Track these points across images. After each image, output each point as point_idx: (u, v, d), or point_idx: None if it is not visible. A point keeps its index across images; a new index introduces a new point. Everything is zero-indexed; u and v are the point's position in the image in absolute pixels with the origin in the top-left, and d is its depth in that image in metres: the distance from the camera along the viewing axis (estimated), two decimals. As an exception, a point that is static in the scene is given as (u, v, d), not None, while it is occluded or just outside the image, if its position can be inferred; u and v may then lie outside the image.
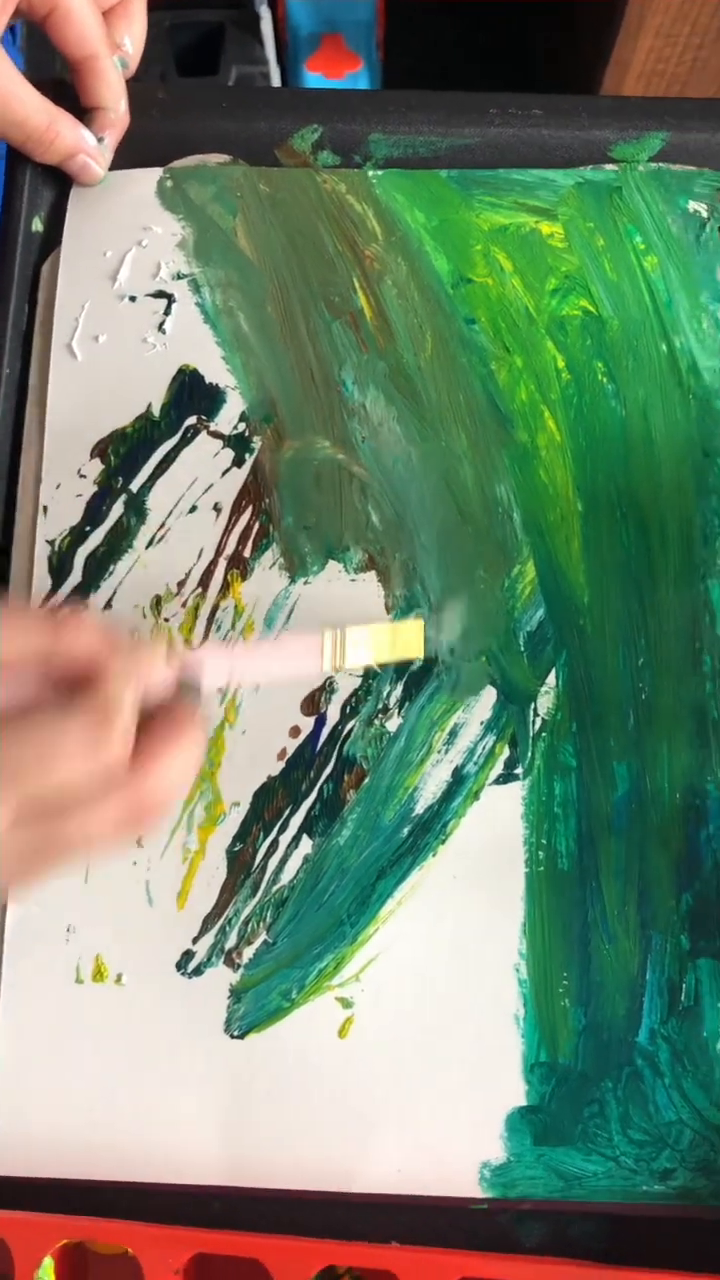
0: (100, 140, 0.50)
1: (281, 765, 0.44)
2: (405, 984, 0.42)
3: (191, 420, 0.48)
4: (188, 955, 0.43)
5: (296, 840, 0.44)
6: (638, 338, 0.48)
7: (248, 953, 0.43)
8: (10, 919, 0.43)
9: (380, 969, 0.42)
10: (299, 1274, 0.37)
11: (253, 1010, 0.42)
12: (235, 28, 0.97)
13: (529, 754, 0.44)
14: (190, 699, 0.36)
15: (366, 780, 0.44)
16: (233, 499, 0.47)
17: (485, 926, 0.43)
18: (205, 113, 0.52)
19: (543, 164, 0.50)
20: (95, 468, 0.47)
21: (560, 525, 0.46)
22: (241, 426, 0.47)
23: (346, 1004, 0.42)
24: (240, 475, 0.47)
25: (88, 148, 0.49)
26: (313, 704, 0.45)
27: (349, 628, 0.40)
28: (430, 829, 0.43)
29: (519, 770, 0.44)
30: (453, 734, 0.44)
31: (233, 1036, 0.42)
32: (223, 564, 0.46)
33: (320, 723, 0.45)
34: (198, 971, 0.43)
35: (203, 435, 0.47)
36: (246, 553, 0.46)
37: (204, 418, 0.48)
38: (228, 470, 0.47)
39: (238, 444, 0.47)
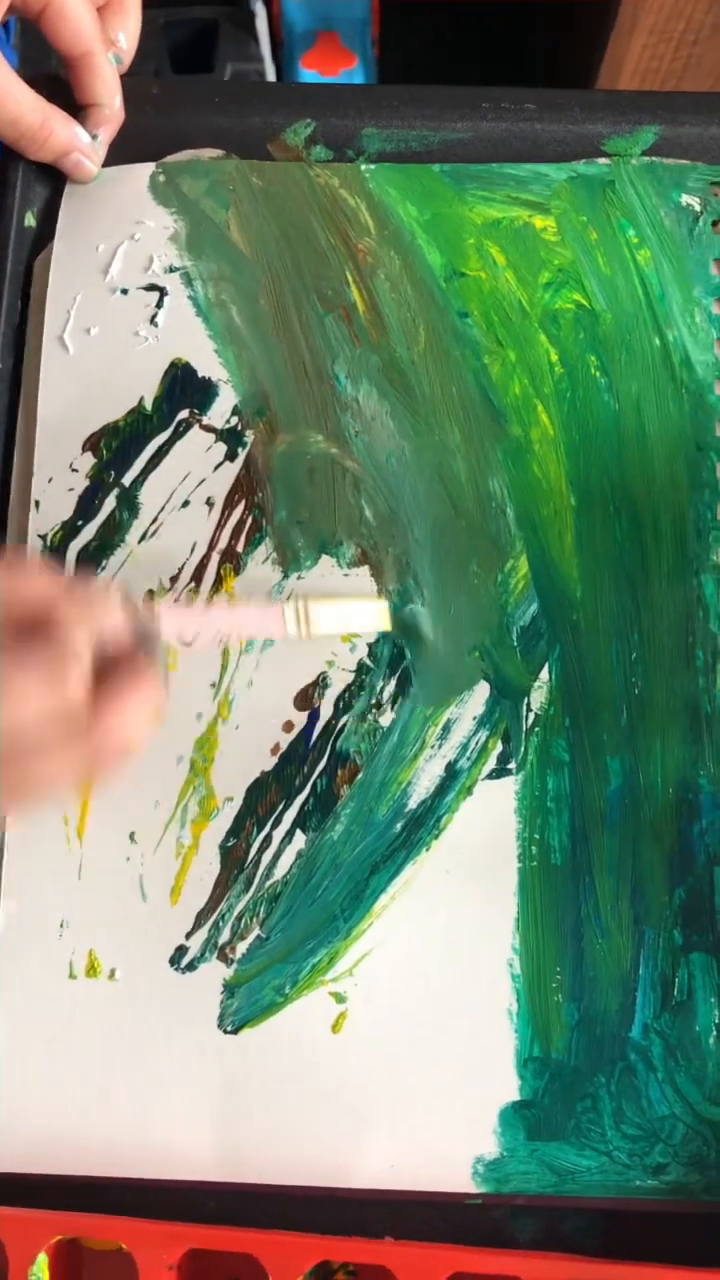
0: (94, 137, 0.49)
1: (275, 760, 0.44)
2: (398, 979, 0.42)
3: (184, 414, 0.47)
4: (181, 950, 0.43)
5: (290, 835, 0.44)
6: (631, 331, 0.48)
7: (241, 948, 0.43)
8: (2, 914, 0.43)
9: (374, 964, 0.42)
10: (293, 1269, 0.37)
11: (246, 1005, 0.42)
12: (230, 25, 0.97)
13: (522, 749, 0.44)
14: (149, 649, 0.36)
15: (360, 775, 0.44)
16: (225, 493, 0.47)
17: (478, 921, 0.42)
18: (198, 108, 0.52)
19: (535, 158, 0.50)
20: (87, 462, 0.47)
21: (553, 520, 0.46)
22: (234, 420, 0.47)
23: (340, 999, 0.42)
24: (233, 469, 0.47)
25: (81, 145, 0.49)
26: (306, 699, 0.45)
27: (311, 598, 0.40)
28: (423, 824, 0.43)
29: (512, 765, 0.44)
30: (446, 729, 0.44)
31: (226, 1032, 0.42)
32: (215, 558, 0.46)
33: (313, 718, 0.45)
34: (191, 967, 0.43)
35: (195, 429, 0.47)
36: (239, 547, 0.46)
37: (196, 411, 0.47)
38: (220, 464, 0.47)
39: (230, 438, 0.47)
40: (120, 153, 0.51)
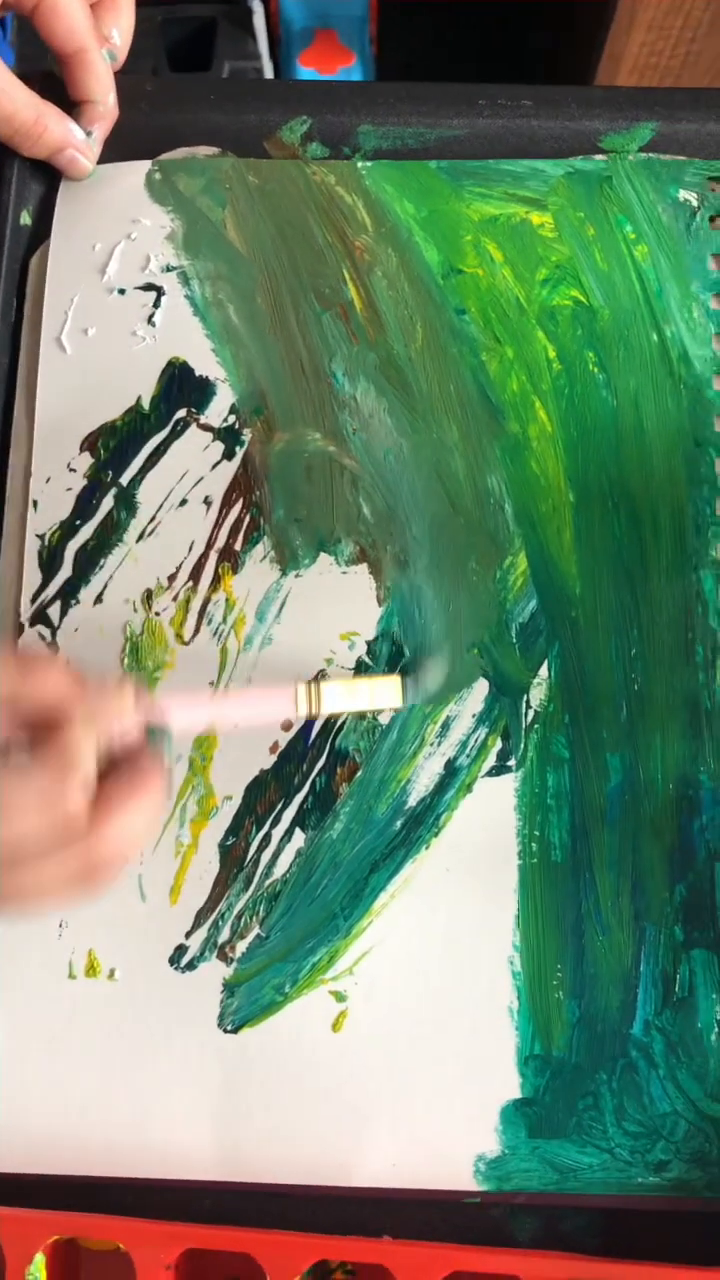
0: (89, 134, 0.49)
1: (274, 759, 0.44)
2: (399, 977, 0.42)
3: (181, 413, 0.47)
4: (180, 950, 0.43)
5: (289, 834, 0.43)
6: (628, 327, 0.47)
7: (241, 947, 0.43)
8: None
9: (374, 962, 0.42)
10: (291, 1269, 0.37)
11: (246, 1005, 0.42)
12: (228, 22, 0.97)
13: (522, 746, 0.44)
14: (158, 744, 0.36)
15: (359, 773, 0.44)
16: (223, 492, 0.47)
17: (479, 919, 0.42)
18: (194, 105, 0.52)
19: (532, 155, 0.50)
20: (85, 461, 0.47)
21: (552, 516, 0.46)
22: (231, 419, 0.47)
23: (340, 998, 0.42)
24: (231, 468, 0.47)
25: (76, 142, 0.49)
26: (305, 697, 0.45)
27: (324, 681, 0.40)
28: (423, 822, 0.43)
29: (512, 762, 0.44)
30: (445, 726, 0.44)
31: (226, 1031, 0.42)
32: (214, 557, 0.46)
33: (312, 716, 0.44)
34: (191, 966, 0.43)
35: (193, 428, 0.47)
36: (237, 546, 0.46)
37: (194, 410, 0.47)
38: (218, 463, 0.47)
39: (228, 437, 0.47)
40: (116, 150, 0.50)
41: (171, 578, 0.46)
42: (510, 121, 0.51)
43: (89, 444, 0.47)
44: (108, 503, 0.47)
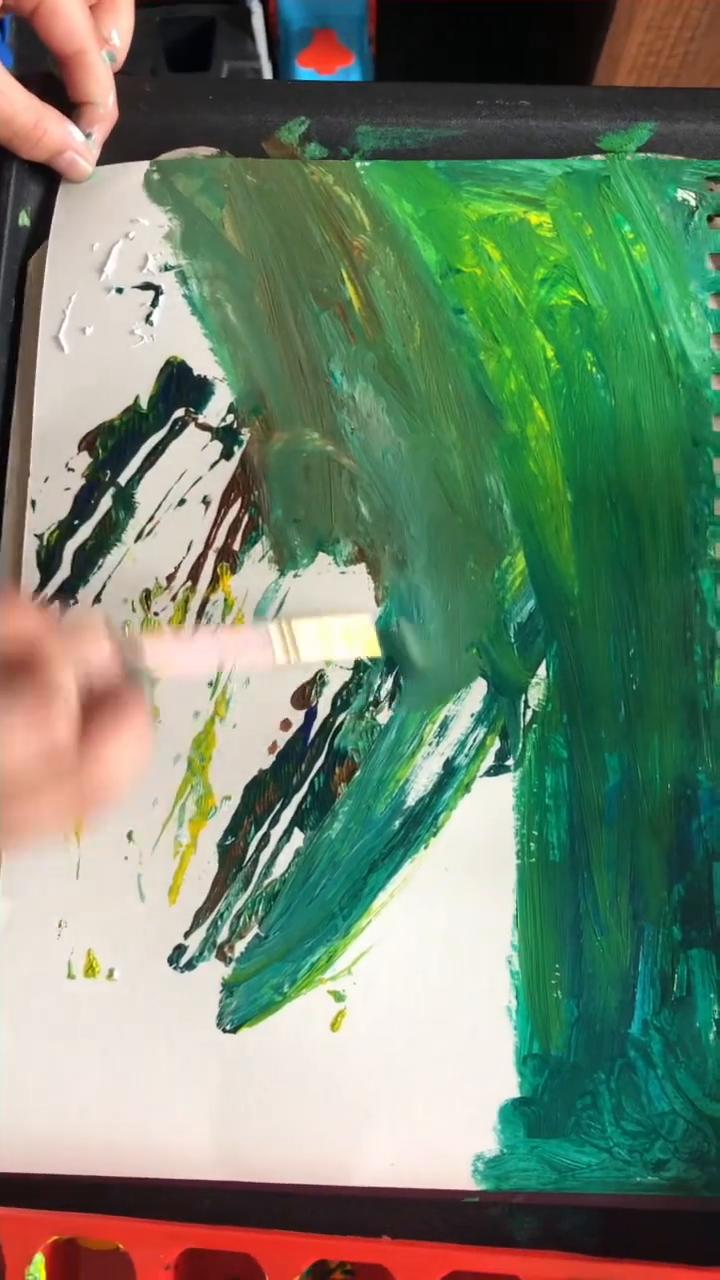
0: (88, 136, 0.49)
1: (272, 759, 0.44)
2: (397, 977, 0.42)
3: (179, 412, 0.47)
4: (179, 950, 0.43)
5: (288, 834, 0.44)
6: (627, 327, 0.47)
7: (240, 947, 0.43)
8: (1, 914, 0.43)
9: (372, 962, 0.42)
10: (290, 1269, 0.37)
11: (245, 1004, 0.42)
12: (226, 23, 0.97)
13: (520, 746, 0.44)
14: (137, 683, 0.36)
15: (357, 773, 0.44)
16: (221, 491, 0.47)
17: (477, 919, 0.42)
18: (192, 106, 0.52)
19: (531, 155, 0.50)
20: (83, 461, 0.47)
21: (550, 516, 0.46)
22: (230, 418, 0.47)
23: (339, 997, 0.42)
24: (229, 467, 0.47)
25: (75, 144, 0.49)
26: (303, 697, 0.45)
27: (295, 620, 0.40)
28: (422, 821, 0.43)
29: (510, 762, 0.44)
30: (443, 726, 0.44)
31: (225, 1031, 0.42)
32: (212, 557, 0.46)
33: (311, 716, 0.44)
34: (189, 966, 0.43)
35: (191, 427, 0.47)
36: (236, 545, 0.46)
37: (192, 410, 0.47)
38: (216, 463, 0.47)
39: (226, 436, 0.47)
40: (115, 151, 0.50)
41: (170, 577, 0.46)
42: (508, 122, 0.51)
43: (87, 443, 0.47)
44: (106, 502, 0.47)
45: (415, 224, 0.49)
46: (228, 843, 0.43)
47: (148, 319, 0.48)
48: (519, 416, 0.47)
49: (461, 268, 0.48)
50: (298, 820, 0.44)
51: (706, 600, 0.45)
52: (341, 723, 0.44)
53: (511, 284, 0.48)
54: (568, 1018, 0.42)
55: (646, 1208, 0.40)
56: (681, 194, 0.49)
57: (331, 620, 0.42)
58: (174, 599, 0.45)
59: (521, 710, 0.44)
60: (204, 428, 0.47)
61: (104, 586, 0.46)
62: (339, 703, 0.44)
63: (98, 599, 0.46)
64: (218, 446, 0.47)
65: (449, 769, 0.44)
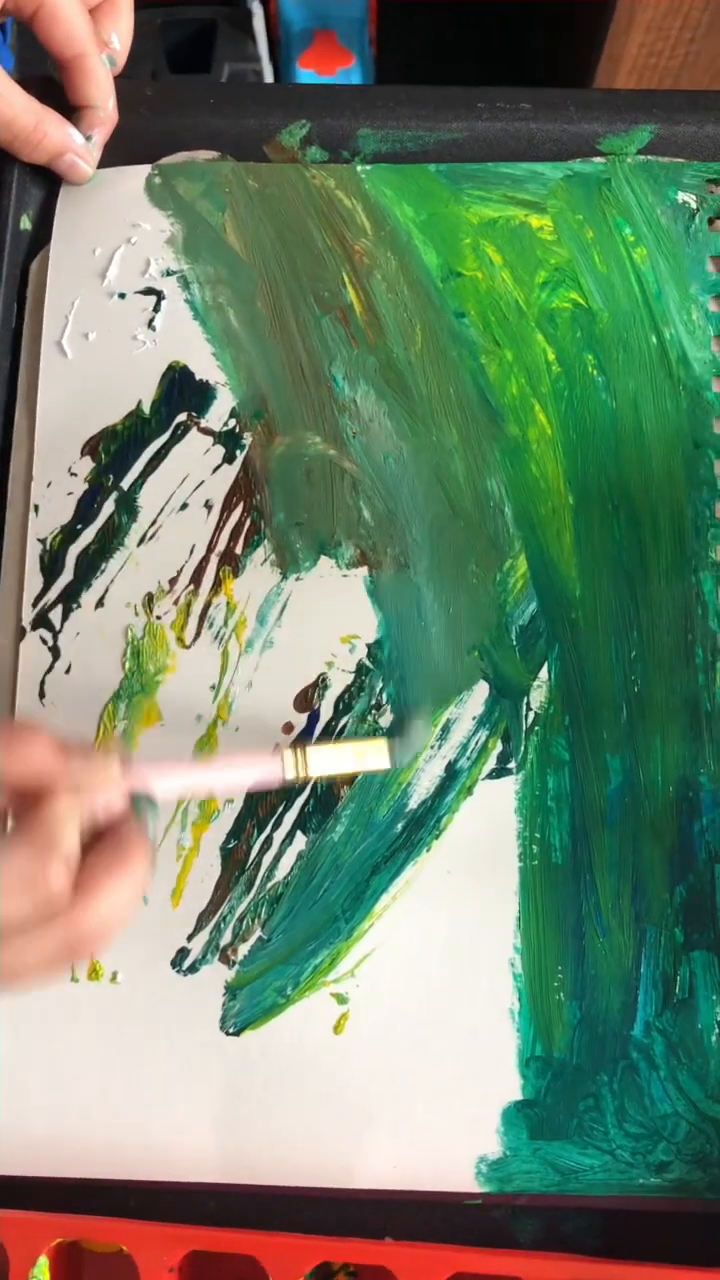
0: (88, 138, 0.50)
1: (274, 761, 0.44)
2: (400, 979, 0.42)
3: (182, 417, 0.47)
4: (183, 953, 0.43)
5: (290, 836, 0.44)
6: (628, 330, 0.47)
7: (243, 949, 0.43)
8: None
9: (375, 964, 0.42)
10: (294, 1271, 0.37)
11: (248, 1007, 0.42)
12: (227, 24, 0.97)
13: (522, 748, 0.44)
14: (142, 813, 0.36)
15: (359, 776, 0.44)
16: (224, 496, 0.47)
17: (479, 921, 0.42)
18: (193, 109, 0.52)
19: (531, 158, 0.50)
20: (86, 465, 0.47)
21: (552, 519, 0.46)
22: (232, 423, 0.47)
23: (342, 1000, 0.42)
24: (231, 472, 0.47)
25: (75, 147, 0.49)
26: (306, 700, 0.45)
27: (310, 746, 0.40)
28: (424, 824, 0.43)
29: (512, 764, 0.44)
30: (445, 729, 0.44)
31: (228, 1033, 0.42)
32: (214, 561, 0.46)
33: (313, 719, 0.45)
34: (193, 969, 0.43)
35: (193, 432, 0.47)
36: (238, 549, 0.46)
37: (194, 414, 0.47)
38: (218, 467, 0.47)
39: (228, 440, 0.47)
40: (116, 155, 0.51)
41: (172, 581, 0.46)
42: (509, 124, 0.51)
43: (90, 448, 0.47)
44: (109, 507, 0.47)
45: (416, 228, 0.49)
46: (230, 846, 0.44)
47: (150, 324, 0.48)
48: (520, 419, 0.47)
49: (463, 271, 0.48)
50: (300, 823, 0.44)
51: (708, 603, 0.45)
52: (344, 726, 0.44)
53: (513, 287, 0.48)
54: (570, 1020, 0.42)
55: (649, 1209, 0.40)
56: (682, 196, 0.49)
57: (346, 746, 0.42)
58: (176, 603, 0.46)
59: (523, 713, 0.44)
60: (206, 432, 0.47)
61: (106, 590, 0.46)
62: (341, 706, 0.45)
63: (100, 603, 0.46)
64: (220, 451, 0.47)
65: (451, 772, 0.44)
